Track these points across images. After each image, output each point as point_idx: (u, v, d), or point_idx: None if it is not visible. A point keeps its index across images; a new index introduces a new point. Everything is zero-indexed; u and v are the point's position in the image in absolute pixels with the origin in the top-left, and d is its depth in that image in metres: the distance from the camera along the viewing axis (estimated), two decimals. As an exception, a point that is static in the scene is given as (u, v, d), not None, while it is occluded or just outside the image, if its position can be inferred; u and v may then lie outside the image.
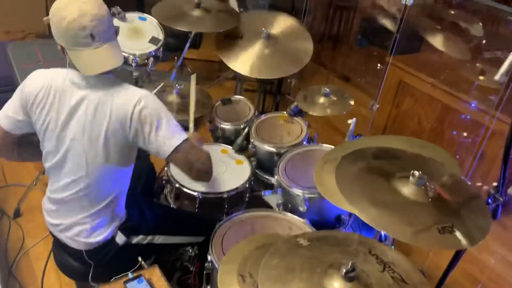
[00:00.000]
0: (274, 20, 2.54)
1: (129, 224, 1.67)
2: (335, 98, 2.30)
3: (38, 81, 1.51)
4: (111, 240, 1.63)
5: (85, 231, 1.59)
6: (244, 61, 2.35)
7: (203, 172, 1.55)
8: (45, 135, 1.53)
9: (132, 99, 1.42)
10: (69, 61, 1.42)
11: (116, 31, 1.49)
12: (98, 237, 1.60)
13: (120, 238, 1.64)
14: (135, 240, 1.69)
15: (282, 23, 2.53)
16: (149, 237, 1.73)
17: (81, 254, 1.63)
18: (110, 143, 1.46)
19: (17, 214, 2.58)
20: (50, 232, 1.70)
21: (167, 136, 1.45)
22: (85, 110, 1.45)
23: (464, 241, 1.17)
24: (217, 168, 2.16)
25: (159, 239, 1.75)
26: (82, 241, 1.60)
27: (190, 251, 2.02)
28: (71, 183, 1.54)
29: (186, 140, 1.48)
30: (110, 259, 1.64)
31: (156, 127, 1.43)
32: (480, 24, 2.89)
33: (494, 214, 1.40)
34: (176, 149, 1.46)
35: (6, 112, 1.56)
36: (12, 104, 1.56)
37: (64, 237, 1.63)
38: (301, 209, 1.93)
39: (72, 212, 1.59)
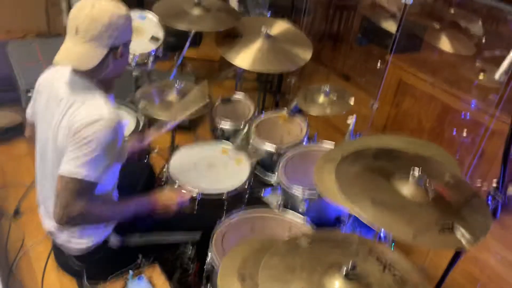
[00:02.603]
0: (274, 23, 2.55)
1: (125, 224, 1.64)
2: (335, 97, 2.30)
3: (43, 75, 1.58)
4: (105, 242, 1.62)
5: (76, 234, 1.57)
6: (244, 56, 2.34)
7: (54, 214, 1.42)
8: (36, 130, 1.57)
9: (93, 116, 1.39)
10: None
11: (118, 49, 1.45)
12: (92, 239, 1.59)
13: (115, 239, 1.63)
14: (131, 239, 1.68)
15: (282, 27, 2.54)
16: (145, 236, 1.71)
17: (78, 256, 1.63)
18: (61, 146, 1.44)
19: (17, 214, 2.58)
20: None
21: (70, 160, 1.38)
22: (62, 110, 1.45)
23: (464, 241, 1.17)
24: (217, 168, 2.16)
25: (155, 237, 1.74)
26: (76, 242, 1.59)
27: (191, 249, 2.02)
28: (53, 184, 1.52)
29: (79, 180, 1.38)
30: (107, 259, 1.64)
31: (79, 147, 1.38)
32: (480, 22, 2.89)
33: (493, 214, 1.41)
34: (60, 176, 1.39)
35: (30, 104, 1.64)
36: (32, 97, 1.63)
37: (58, 240, 1.63)
38: (300, 209, 1.93)
39: None
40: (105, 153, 1.40)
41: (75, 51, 1.39)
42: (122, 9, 1.44)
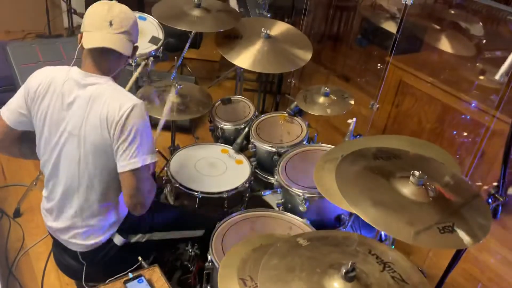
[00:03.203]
0: (274, 24, 2.55)
1: (128, 224, 1.66)
2: (335, 98, 2.30)
3: (40, 76, 1.52)
4: (109, 241, 1.63)
5: (82, 233, 1.58)
6: (244, 57, 2.34)
7: (141, 206, 1.52)
8: (40, 130, 1.53)
9: (125, 105, 1.42)
10: (76, 57, 1.46)
11: (135, 49, 1.57)
12: (96, 239, 1.60)
13: (119, 239, 1.64)
14: (134, 239, 1.69)
15: (282, 28, 2.54)
16: (148, 235, 1.72)
17: (83, 252, 1.63)
18: (96, 143, 1.45)
19: (17, 214, 2.58)
20: (49, 233, 1.70)
21: (133, 153, 1.44)
22: (80, 109, 1.45)
23: (464, 240, 1.17)
24: (217, 168, 2.16)
25: (157, 235, 1.75)
26: (79, 243, 1.60)
27: (190, 250, 2.02)
28: (65, 184, 1.54)
29: (147, 166, 1.47)
30: (109, 259, 1.64)
31: (130, 141, 1.43)
32: (480, 24, 2.89)
33: (494, 214, 1.40)
34: (132, 171, 1.45)
35: (10, 106, 1.57)
36: (16, 99, 1.56)
37: (62, 239, 1.63)
38: (301, 209, 1.93)
39: (68, 214, 1.58)
40: (151, 131, 1.50)
41: (113, 37, 1.45)
42: None
